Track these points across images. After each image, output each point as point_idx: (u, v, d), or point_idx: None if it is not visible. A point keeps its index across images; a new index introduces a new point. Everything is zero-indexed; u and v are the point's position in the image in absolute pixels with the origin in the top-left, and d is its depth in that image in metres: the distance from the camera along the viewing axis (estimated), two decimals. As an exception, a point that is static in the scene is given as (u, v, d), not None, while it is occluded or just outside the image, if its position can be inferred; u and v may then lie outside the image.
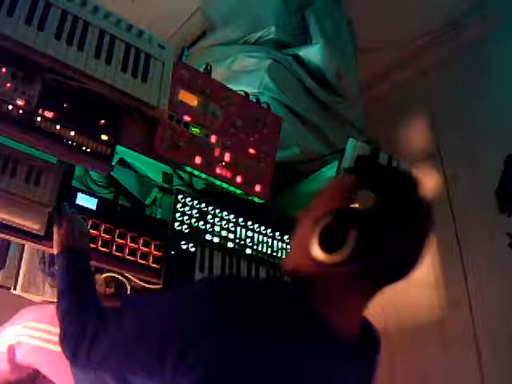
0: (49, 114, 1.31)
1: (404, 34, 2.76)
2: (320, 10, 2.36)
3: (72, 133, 1.34)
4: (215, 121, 1.64)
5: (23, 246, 1.52)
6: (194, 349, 0.78)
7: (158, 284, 1.52)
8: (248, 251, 1.75)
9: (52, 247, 1.25)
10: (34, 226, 1.33)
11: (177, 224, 1.62)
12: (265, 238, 1.81)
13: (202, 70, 1.68)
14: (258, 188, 1.70)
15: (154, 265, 1.52)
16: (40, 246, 1.37)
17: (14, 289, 1.51)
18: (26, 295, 1.54)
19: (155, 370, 0.82)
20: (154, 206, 1.75)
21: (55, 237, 1.24)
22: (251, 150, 1.71)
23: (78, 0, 1.36)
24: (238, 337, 0.79)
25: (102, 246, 1.44)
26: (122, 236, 1.49)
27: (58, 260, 1.19)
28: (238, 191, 1.68)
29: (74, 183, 1.51)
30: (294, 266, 0.92)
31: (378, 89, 3.05)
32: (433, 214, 0.89)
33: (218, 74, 1.83)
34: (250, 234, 1.78)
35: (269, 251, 1.80)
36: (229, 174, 1.63)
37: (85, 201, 1.48)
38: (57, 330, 1.04)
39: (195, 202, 1.68)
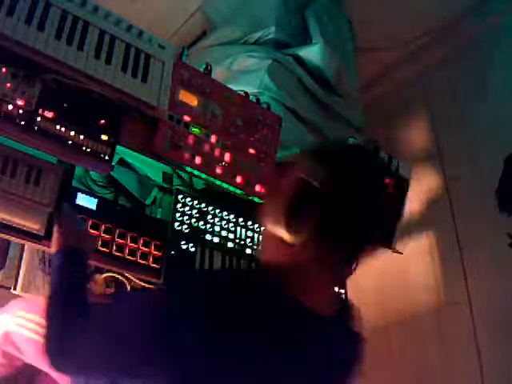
0: (49, 114, 1.31)
1: (404, 34, 2.76)
2: (320, 10, 2.36)
3: (72, 133, 1.33)
4: (215, 121, 1.64)
5: (23, 245, 1.52)
6: (174, 348, 0.79)
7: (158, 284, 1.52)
8: (248, 251, 1.75)
9: (52, 247, 1.25)
10: (33, 226, 1.33)
11: (177, 224, 1.61)
12: (265, 238, 1.81)
13: (201, 69, 1.68)
14: (257, 188, 1.70)
15: (154, 265, 1.52)
16: (40, 245, 1.36)
17: (14, 289, 1.51)
18: (26, 295, 1.54)
19: (138, 371, 0.82)
20: (153, 206, 1.75)
21: (54, 236, 1.24)
22: (251, 150, 1.71)
23: (78, 0, 1.36)
24: (217, 332, 0.80)
25: (102, 246, 1.44)
26: (121, 236, 1.49)
27: (53, 259, 1.18)
28: (238, 191, 1.68)
29: (74, 183, 1.51)
30: (267, 255, 0.95)
31: (377, 89, 3.05)
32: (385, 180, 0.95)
33: (218, 74, 1.83)
34: (249, 234, 1.78)
35: (269, 251, 1.80)
36: (229, 174, 1.64)
37: (85, 201, 1.47)
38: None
39: (195, 202, 1.68)
